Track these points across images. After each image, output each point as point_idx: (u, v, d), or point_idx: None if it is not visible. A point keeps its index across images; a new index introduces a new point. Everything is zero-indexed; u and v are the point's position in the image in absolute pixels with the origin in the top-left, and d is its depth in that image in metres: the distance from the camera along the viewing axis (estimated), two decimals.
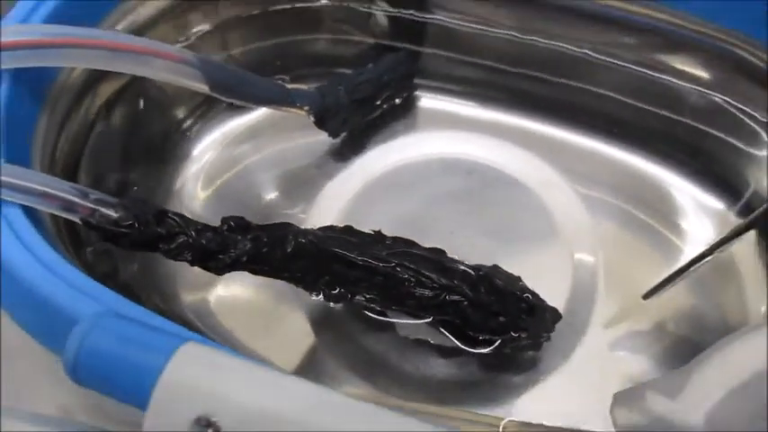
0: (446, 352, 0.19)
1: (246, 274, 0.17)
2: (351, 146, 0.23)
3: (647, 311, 0.20)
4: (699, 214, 0.21)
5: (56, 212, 0.15)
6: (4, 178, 0.14)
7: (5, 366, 0.16)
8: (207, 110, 0.22)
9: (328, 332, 0.19)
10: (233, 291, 0.19)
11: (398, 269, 0.16)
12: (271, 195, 0.22)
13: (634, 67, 0.21)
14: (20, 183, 0.14)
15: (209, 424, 0.10)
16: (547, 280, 0.20)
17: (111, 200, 0.15)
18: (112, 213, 0.15)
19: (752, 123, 0.20)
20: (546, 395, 0.18)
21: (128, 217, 0.15)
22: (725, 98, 0.20)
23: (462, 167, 0.23)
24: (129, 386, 0.11)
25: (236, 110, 0.22)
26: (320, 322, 0.19)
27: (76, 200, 0.15)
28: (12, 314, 0.14)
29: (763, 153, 0.20)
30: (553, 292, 0.19)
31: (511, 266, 0.19)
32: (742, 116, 0.20)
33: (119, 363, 0.11)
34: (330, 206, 0.22)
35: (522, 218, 0.22)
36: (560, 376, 0.19)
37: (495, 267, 0.18)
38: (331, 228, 0.18)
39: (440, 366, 0.19)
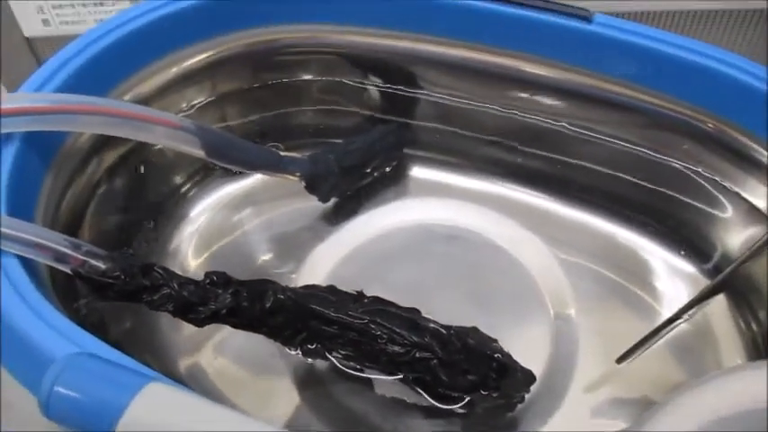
0: (426, 412, 0.19)
1: (236, 331, 0.18)
2: (341, 211, 0.24)
3: (627, 376, 0.20)
4: (672, 277, 0.21)
5: (48, 263, 0.16)
6: (2, 229, 0.15)
7: None
8: (204, 175, 0.23)
9: (311, 390, 0.20)
10: (221, 346, 0.20)
11: (372, 326, 0.17)
12: (263, 256, 0.23)
13: (607, 139, 0.22)
14: (16, 234, 0.15)
15: None
16: (526, 343, 0.20)
17: (101, 252, 0.16)
18: (101, 265, 0.16)
19: (713, 190, 0.20)
20: None
21: (115, 268, 0.16)
22: (691, 167, 0.21)
23: (446, 233, 0.24)
24: (95, 423, 0.11)
25: (232, 175, 0.23)
26: (304, 380, 0.20)
27: (68, 251, 0.16)
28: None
29: (727, 215, 0.20)
30: (532, 356, 0.20)
31: (491, 329, 0.19)
32: (705, 183, 0.21)
33: (87, 400, 0.12)
34: (318, 267, 0.23)
35: (502, 282, 0.22)
36: None
37: (474, 329, 0.19)
38: (313, 286, 0.19)
39: (419, 427, 0.19)
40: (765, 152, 0.19)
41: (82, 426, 0.12)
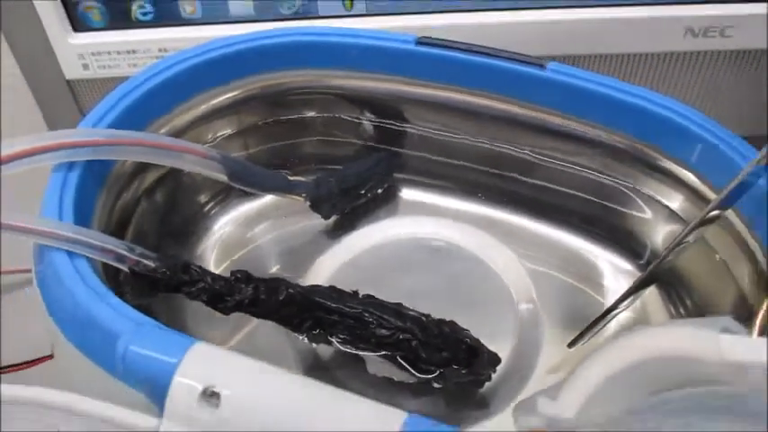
0: (411, 389, 0.23)
1: (252, 319, 0.22)
2: (340, 227, 0.28)
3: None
4: (616, 275, 0.25)
5: (111, 263, 0.20)
6: (75, 236, 0.19)
7: None
8: (225, 195, 0.27)
9: (315, 371, 0.23)
10: (239, 332, 0.24)
11: (365, 314, 0.21)
12: (274, 264, 0.27)
13: (562, 164, 0.26)
14: (86, 239, 0.19)
15: (213, 394, 0.15)
16: (494, 333, 0.24)
17: (150, 254, 0.20)
18: (151, 264, 0.20)
19: (641, 200, 0.25)
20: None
21: (162, 266, 0.20)
22: (627, 184, 0.25)
23: (430, 246, 0.28)
24: (158, 373, 0.15)
25: (248, 196, 0.27)
26: (309, 362, 0.24)
27: (126, 253, 0.20)
28: (67, 334, 0.19)
29: (652, 219, 0.25)
30: (500, 343, 0.24)
31: (466, 323, 0.23)
32: (635, 195, 0.25)
33: (152, 356, 0.16)
34: (321, 273, 0.27)
35: (477, 286, 0.26)
36: (507, 412, 0.23)
37: (451, 322, 0.23)
38: (317, 286, 0.23)
39: (405, 401, 0.23)
40: (677, 167, 0.23)
41: (148, 376, 0.16)
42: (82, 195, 0.21)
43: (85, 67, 0.34)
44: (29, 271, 0.21)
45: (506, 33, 0.31)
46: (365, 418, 0.14)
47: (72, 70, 0.34)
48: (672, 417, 0.15)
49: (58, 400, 0.15)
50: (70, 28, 0.33)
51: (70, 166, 0.22)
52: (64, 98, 0.35)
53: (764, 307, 0.16)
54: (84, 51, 0.33)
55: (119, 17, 0.33)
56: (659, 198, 0.24)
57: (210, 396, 0.15)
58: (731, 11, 0.32)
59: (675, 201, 0.24)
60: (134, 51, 0.33)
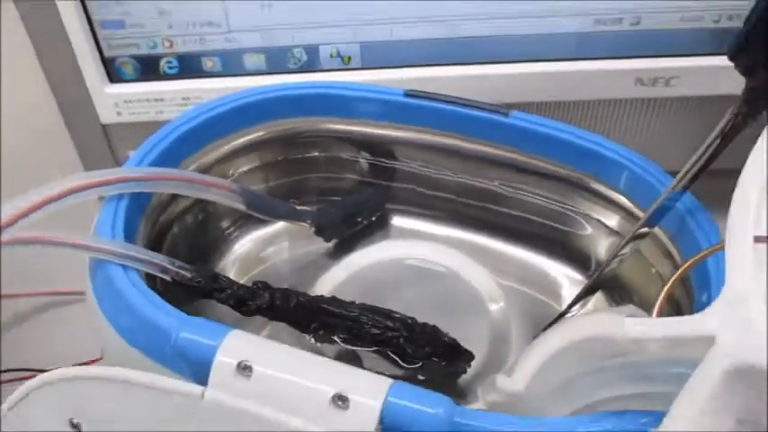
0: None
1: (268, 321, 0.26)
2: (340, 249, 0.33)
3: None
4: (570, 285, 0.30)
5: (156, 273, 0.24)
6: (128, 252, 0.24)
7: None
8: (243, 222, 0.32)
9: None
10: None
11: (362, 317, 0.26)
12: (283, 279, 0.32)
13: (526, 194, 0.31)
14: (137, 255, 0.24)
15: (246, 367, 0.19)
16: (471, 336, 0.29)
17: (187, 266, 0.25)
18: (188, 274, 0.24)
19: (585, 221, 0.30)
20: None
21: (197, 276, 0.24)
22: (578, 210, 0.30)
23: (417, 265, 0.32)
24: (201, 354, 0.20)
25: (263, 222, 0.32)
26: None
27: (168, 266, 0.24)
28: (121, 332, 0.23)
29: (595, 235, 0.30)
30: (476, 344, 0.28)
31: (445, 327, 0.28)
32: (582, 218, 0.30)
33: (197, 339, 0.20)
34: (324, 288, 0.31)
35: (456, 298, 0.31)
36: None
37: (433, 326, 0.27)
38: (321, 296, 0.27)
39: None
40: (611, 192, 0.29)
41: (196, 356, 0.20)
42: (128, 220, 0.26)
43: (119, 113, 0.39)
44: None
45: (481, 83, 0.37)
46: (363, 381, 0.19)
47: (107, 116, 0.39)
48: (597, 385, 0.20)
49: (135, 377, 0.19)
50: (107, 79, 0.38)
51: (120, 195, 0.26)
52: (98, 140, 0.40)
53: (662, 295, 0.21)
54: (118, 99, 0.39)
55: (148, 70, 0.38)
56: (600, 218, 0.29)
57: (244, 369, 0.19)
58: (676, 63, 0.38)
59: (613, 220, 0.29)
60: (161, 99, 0.39)
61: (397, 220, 0.34)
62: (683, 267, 0.20)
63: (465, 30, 0.37)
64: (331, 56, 0.38)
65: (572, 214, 0.30)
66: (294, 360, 0.20)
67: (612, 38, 0.38)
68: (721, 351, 0.16)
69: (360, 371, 0.19)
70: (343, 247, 0.33)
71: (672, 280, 0.20)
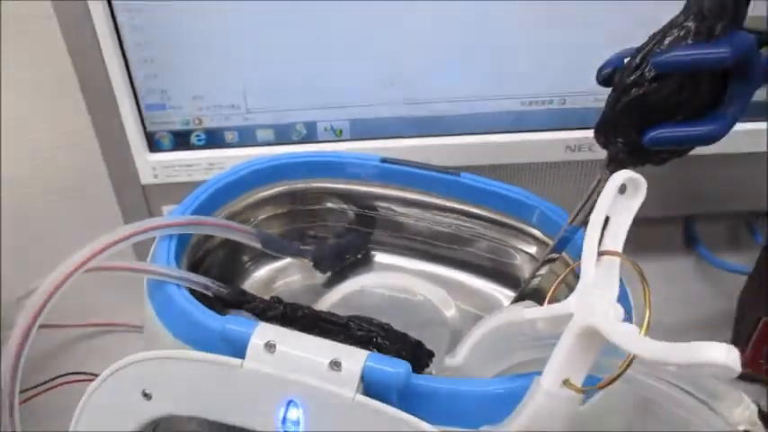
0: None
1: None
2: (333, 279, 0.43)
3: None
4: (506, 300, 0.40)
5: (201, 291, 0.34)
6: (181, 275, 0.33)
7: None
8: (260, 257, 0.42)
9: None
10: None
11: (350, 323, 0.35)
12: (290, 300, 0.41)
13: (477, 235, 0.41)
14: (187, 277, 0.33)
15: (271, 345, 0.28)
16: (434, 341, 0.38)
17: (223, 285, 0.34)
18: (224, 291, 0.34)
19: (515, 252, 0.40)
20: None
21: (230, 293, 0.34)
22: (513, 246, 0.40)
23: (393, 290, 0.42)
24: (239, 339, 0.29)
25: (274, 258, 0.42)
26: None
27: (210, 284, 0.34)
28: (174, 332, 0.32)
29: (522, 262, 0.39)
30: (438, 346, 0.37)
31: (414, 334, 0.37)
32: (514, 251, 0.40)
33: (238, 328, 0.29)
34: (320, 308, 0.40)
35: (423, 314, 0.40)
36: None
37: (403, 332, 0.36)
38: (320, 310, 0.37)
39: None
40: (532, 229, 0.38)
41: (237, 340, 0.29)
42: (177, 253, 0.35)
43: (155, 176, 0.49)
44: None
45: (441, 150, 0.47)
46: (351, 352, 0.28)
47: (146, 178, 0.49)
48: (510, 354, 0.29)
49: (194, 355, 0.28)
50: (148, 150, 0.48)
51: (170, 235, 0.36)
52: (138, 196, 0.50)
53: (550, 293, 0.30)
54: (156, 165, 0.48)
55: (181, 142, 0.48)
56: (524, 249, 0.39)
57: (270, 347, 0.28)
58: None
59: (532, 249, 0.39)
60: (190, 165, 0.49)
61: (378, 257, 0.44)
62: (563, 275, 0.30)
63: (429, 110, 0.47)
64: (325, 130, 0.48)
65: (506, 248, 0.40)
66: (304, 340, 0.29)
67: (546, 115, 0.49)
68: (575, 321, 0.26)
69: (349, 347, 0.28)
70: (336, 278, 0.43)
71: (555, 283, 0.29)
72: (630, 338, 0.23)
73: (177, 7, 0.42)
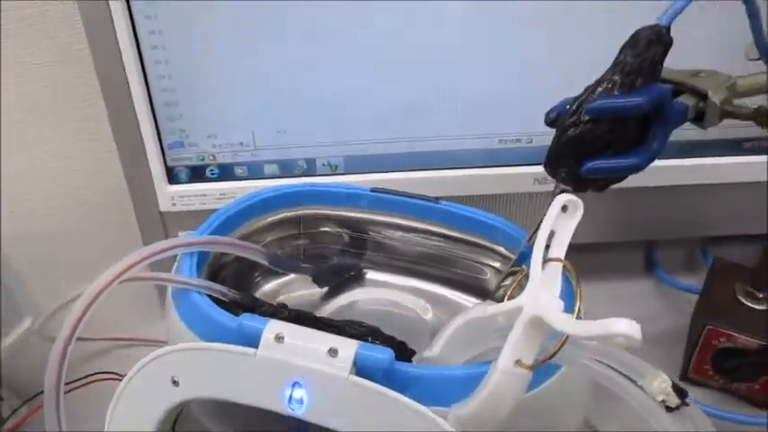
0: None
1: None
2: (330, 293, 0.49)
3: None
4: None
5: (220, 297, 0.40)
6: (202, 283, 0.40)
7: None
8: (267, 273, 0.48)
9: None
10: None
11: (345, 326, 0.41)
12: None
13: (454, 255, 0.48)
14: (209, 285, 0.40)
15: (280, 337, 0.34)
16: (417, 342, 0.44)
17: (238, 292, 0.40)
18: (238, 297, 0.40)
19: (485, 267, 0.46)
20: None
21: (244, 299, 0.40)
22: (478, 260, 0.47)
23: (382, 303, 0.48)
24: (255, 332, 0.35)
25: (279, 273, 0.48)
26: None
27: (227, 292, 0.40)
28: (195, 330, 0.39)
29: (491, 276, 0.46)
30: (419, 347, 0.44)
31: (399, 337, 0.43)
32: (484, 267, 0.46)
33: (251, 322, 0.35)
34: None
35: (407, 322, 0.47)
36: None
37: (390, 335, 0.42)
38: (319, 316, 0.43)
39: None
40: (499, 247, 0.45)
41: (251, 334, 0.35)
42: (198, 267, 0.42)
43: (173, 204, 0.55)
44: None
45: (424, 182, 0.54)
46: (345, 342, 0.34)
47: (165, 206, 0.55)
48: (476, 344, 0.35)
49: (215, 346, 0.35)
50: (167, 181, 0.55)
51: (191, 252, 0.42)
52: (156, 222, 0.56)
53: (508, 293, 0.36)
54: (174, 195, 0.55)
55: (196, 175, 0.55)
56: (493, 264, 0.46)
57: (279, 338, 0.34)
58: None
59: (497, 263, 0.45)
60: (204, 195, 0.55)
61: (369, 274, 0.50)
62: (518, 278, 0.36)
63: (413, 148, 0.55)
64: (323, 165, 0.55)
65: (478, 265, 0.47)
66: (306, 333, 0.35)
67: (516, 152, 0.56)
68: (525, 312, 0.32)
69: (344, 338, 0.35)
70: (332, 292, 0.49)
71: (512, 287, 0.36)
72: (564, 322, 0.30)
73: (200, 60, 0.50)
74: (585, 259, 0.36)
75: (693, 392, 0.53)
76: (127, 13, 0.47)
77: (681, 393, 0.32)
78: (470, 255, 0.47)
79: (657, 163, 0.53)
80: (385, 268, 0.50)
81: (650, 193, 0.58)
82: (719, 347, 0.51)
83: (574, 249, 0.34)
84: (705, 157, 0.57)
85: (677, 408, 0.32)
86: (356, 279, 0.50)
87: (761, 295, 0.52)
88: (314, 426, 0.39)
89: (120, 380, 0.49)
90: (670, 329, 0.60)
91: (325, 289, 0.49)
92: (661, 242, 0.69)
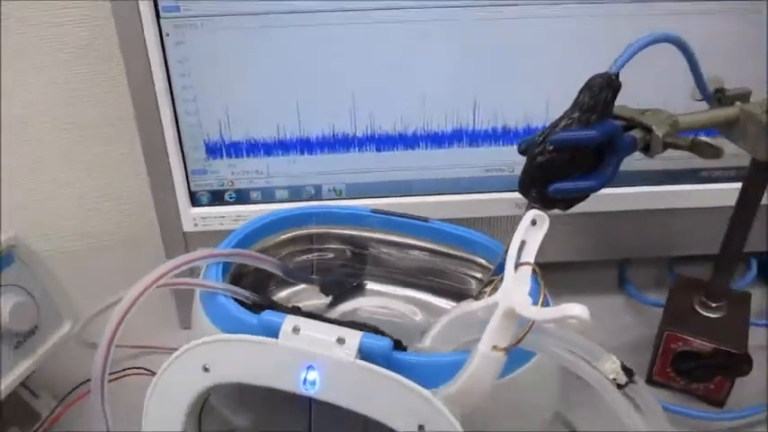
0: None
1: None
2: (335, 301, 0.55)
3: None
4: None
5: (242, 299, 0.46)
6: (228, 288, 0.46)
7: None
8: (281, 282, 0.55)
9: None
10: None
11: (350, 326, 0.48)
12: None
13: (439, 267, 0.55)
14: (233, 289, 0.46)
15: (296, 329, 0.41)
16: (409, 341, 0.51)
17: (257, 295, 0.47)
18: (258, 299, 0.47)
19: (469, 277, 0.53)
20: None
21: (263, 300, 0.47)
22: (464, 271, 0.54)
23: (381, 309, 0.55)
24: (275, 325, 0.42)
25: (292, 283, 0.55)
26: None
27: (248, 295, 0.47)
28: (220, 327, 0.45)
29: (474, 285, 0.53)
30: (411, 345, 0.50)
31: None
32: (467, 276, 0.53)
33: (271, 316, 0.42)
34: None
35: (402, 328, 0.53)
36: None
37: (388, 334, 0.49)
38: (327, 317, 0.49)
39: None
40: (479, 259, 0.52)
41: (271, 327, 0.42)
42: (222, 274, 0.49)
43: (195, 225, 0.62)
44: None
45: (416, 205, 0.61)
46: (351, 332, 0.41)
47: (187, 226, 0.62)
48: (462, 335, 0.42)
49: (242, 337, 0.41)
50: (190, 204, 0.62)
51: (217, 262, 0.49)
52: (179, 241, 0.63)
53: (487, 292, 0.43)
54: (196, 217, 0.62)
55: (216, 199, 0.62)
56: (473, 274, 0.53)
57: (295, 330, 0.41)
58: None
59: (479, 273, 0.52)
60: (222, 217, 0.62)
61: (369, 285, 0.57)
62: (495, 281, 0.43)
63: (407, 176, 0.62)
64: (329, 190, 0.62)
65: (462, 275, 0.54)
66: (318, 326, 0.42)
67: (499, 180, 0.63)
68: (500, 306, 0.39)
69: (351, 329, 0.41)
70: (337, 300, 0.56)
71: (491, 288, 0.43)
72: (530, 310, 0.37)
73: (223, 100, 0.57)
74: (564, 276, 0.43)
75: (657, 393, 0.59)
76: (164, 71, 0.55)
77: (628, 373, 0.39)
78: (455, 266, 0.54)
79: (629, 189, 0.62)
80: (382, 280, 0.57)
81: (623, 216, 0.65)
82: (678, 351, 0.57)
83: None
84: (671, 184, 0.65)
85: (626, 385, 0.38)
86: (358, 289, 0.57)
87: (714, 305, 0.59)
88: (319, 412, 0.46)
89: (148, 375, 0.56)
90: (638, 340, 0.66)
91: (331, 297, 0.56)
92: (633, 261, 0.76)
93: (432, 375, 0.40)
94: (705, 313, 0.59)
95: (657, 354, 0.59)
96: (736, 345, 0.55)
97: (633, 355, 0.63)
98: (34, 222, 0.77)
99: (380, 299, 0.56)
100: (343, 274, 0.56)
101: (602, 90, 0.43)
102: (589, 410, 0.54)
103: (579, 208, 0.62)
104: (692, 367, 0.57)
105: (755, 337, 0.59)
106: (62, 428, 0.56)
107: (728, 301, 0.59)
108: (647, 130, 0.46)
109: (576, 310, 0.34)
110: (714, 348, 0.55)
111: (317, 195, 0.62)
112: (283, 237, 0.55)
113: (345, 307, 0.55)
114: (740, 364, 0.54)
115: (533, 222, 0.42)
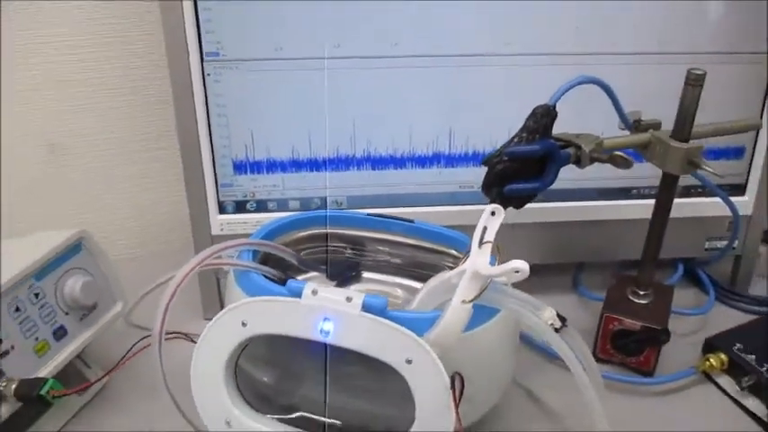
0: None
1: None
2: (339, 286, 0.69)
3: None
4: None
5: (269, 276, 0.60)
6: (258, 267, 0.60)
7: None
8: (295, 270, 0.68)
9: None
10: None
11: None
12: None
13: (423, 260, 0.68)
14: (262, 268, 0.60)
15: (315, 292, 0.54)
16: None
17: (280, 272, 0.60)
18: (283, 275, 0.60)
19: (446, 268, 0.67)
20: None
21: (285, 277, 0.60)
22: (445, 263, 0.67)
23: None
24: (298, 290, 0.55)
25: (303, 270, 0.68)
26: None
27: (273, 272, 0.60)
28: (249, 295, 0.58)
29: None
30: None
31: None
32: (444, 266, 0.67)
33: (295, 284, 0.55)
34: None
35: (392, 305, 0.67)
36: None
37: None
38: None
39: None
40: (453, 251, 0.66)
41: (297, 289, 0.55)
42: (253, 258, 0.62)
43: (221, 229, 0.76)
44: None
45: (404, 214, 0.75)
46: (355, 293, 0.54)
47: (215, 230, 0.76)
48: (440, 297, 0.56)
49: (275, 298, 0.54)
50: (218, 212, 0.76)
51: (248, 249, 0.62)
52: (207, 243, 0.76)
53: (460, 264, 0.57)
54: (223, 222, 0.75)
55: (239, 208, 0.76)
56: (448, 263, 0.67)
57: (315, 292, 0.54)
58: None
59: (451, 263, 0.66)
60: (245, 223, 0.76)
61: (366, 274, 0.71)
62: (464, 257, 0.57)
63: (395, 191, 0.76)
64: (333, 202, 0.76)
65: (440, 265, 0.68)
66: (332, 288, 0.55)
67: (473, 194, 0.78)
68: (468, 269, 0.52)
69: (356, 291, 0.55)
70: (340, 285, 0.69)
71: (462, 262, 0.56)
72: (488, 268, 0.51)
73: (249, 127, 0.72)
74: (527, 279, 0.56)
75: (601, 367, 0.72)
76: (204, 104, 0.69)
77: (562, 320, 0.52)
78: (434, 258, 0.68)
79: (578, 204, 0.77)
80: (376, 269, 0.71)
81: (573, 226, 0.80)
82: (615, 330, 0.71)
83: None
84: (610, 200, 0.80)
85: (561, 329, 0.52)
86: (356, 277, 0.70)
87: (642, 293, 0.73)
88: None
89: (186, 338, 0.68)
90: (587, 328, 0.79)
91: (335, 283, 0.69)
92: (586, 266, 0.90)
93: (417, 327, 0.53)
94: (635, 300, 0.73)
95: (599, 334, 0.72)
96: (658, 322, 0.69)
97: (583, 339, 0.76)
98: (91, 225, 0.92)
99: (375, 285, 0.69)
100: (345, 265, 0.70)
101: (543, 116, 0.58)
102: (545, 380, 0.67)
103: (537, 218, 0.77)
104: (626, 342, 0.71)
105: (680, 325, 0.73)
106: (108, 393, 0.68)
107: (655, 290, 0.73)
108: (578, 147, 0.61)
109: (518, 263, 0.48)
110: (642, 326, 0.69)
111: (323, 206, 0.76)
112: (298, 235, 0.69)
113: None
114: (661, 335, 0.67)
115: (492, 213, 0.56)
